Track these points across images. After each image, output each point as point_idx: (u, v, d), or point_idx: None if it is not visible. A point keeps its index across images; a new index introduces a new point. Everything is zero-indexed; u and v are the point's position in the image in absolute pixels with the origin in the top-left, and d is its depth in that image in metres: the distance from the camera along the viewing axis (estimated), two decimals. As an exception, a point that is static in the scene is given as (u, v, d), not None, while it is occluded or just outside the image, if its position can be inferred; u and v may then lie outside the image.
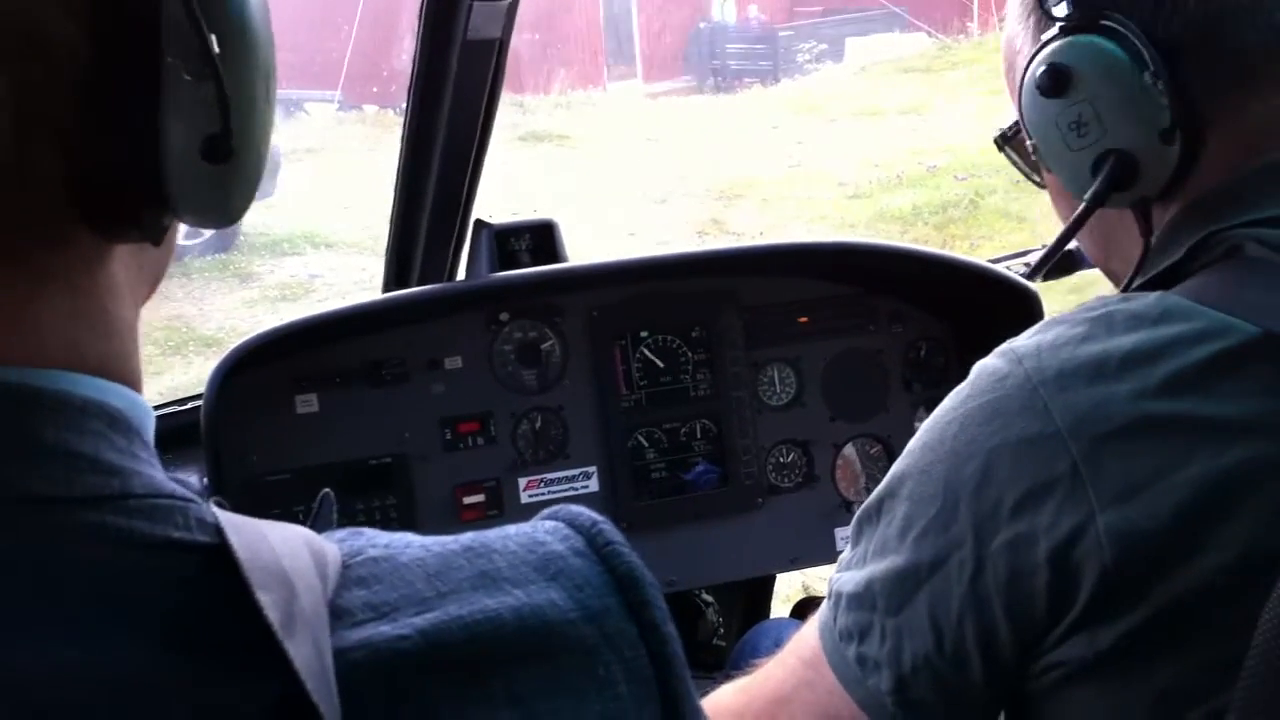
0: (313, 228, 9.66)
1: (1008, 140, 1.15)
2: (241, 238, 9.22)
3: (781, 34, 17.77)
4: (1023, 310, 2.03)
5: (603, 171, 11.57)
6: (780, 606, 2.54)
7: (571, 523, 0.68)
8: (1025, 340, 0.95)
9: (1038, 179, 1.15)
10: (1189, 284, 0.93)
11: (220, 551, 0.56)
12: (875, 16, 17.25)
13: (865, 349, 2.16)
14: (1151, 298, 0.91)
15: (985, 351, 0.98)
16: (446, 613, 0.59)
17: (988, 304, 2.08)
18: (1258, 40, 0.95)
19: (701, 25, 18.28)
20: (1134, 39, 0.94)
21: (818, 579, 3.86)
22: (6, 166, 0.56)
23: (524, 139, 12.45)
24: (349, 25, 13.13)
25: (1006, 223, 8.95)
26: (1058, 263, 1.25)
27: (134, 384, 0.64)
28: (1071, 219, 1.04)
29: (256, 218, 9.57)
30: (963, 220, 9.21)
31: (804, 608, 2.25)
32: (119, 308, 0.64)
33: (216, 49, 0.59)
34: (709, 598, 2.28)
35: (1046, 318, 0.99)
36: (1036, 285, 2.11)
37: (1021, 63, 1.04)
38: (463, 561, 0.63)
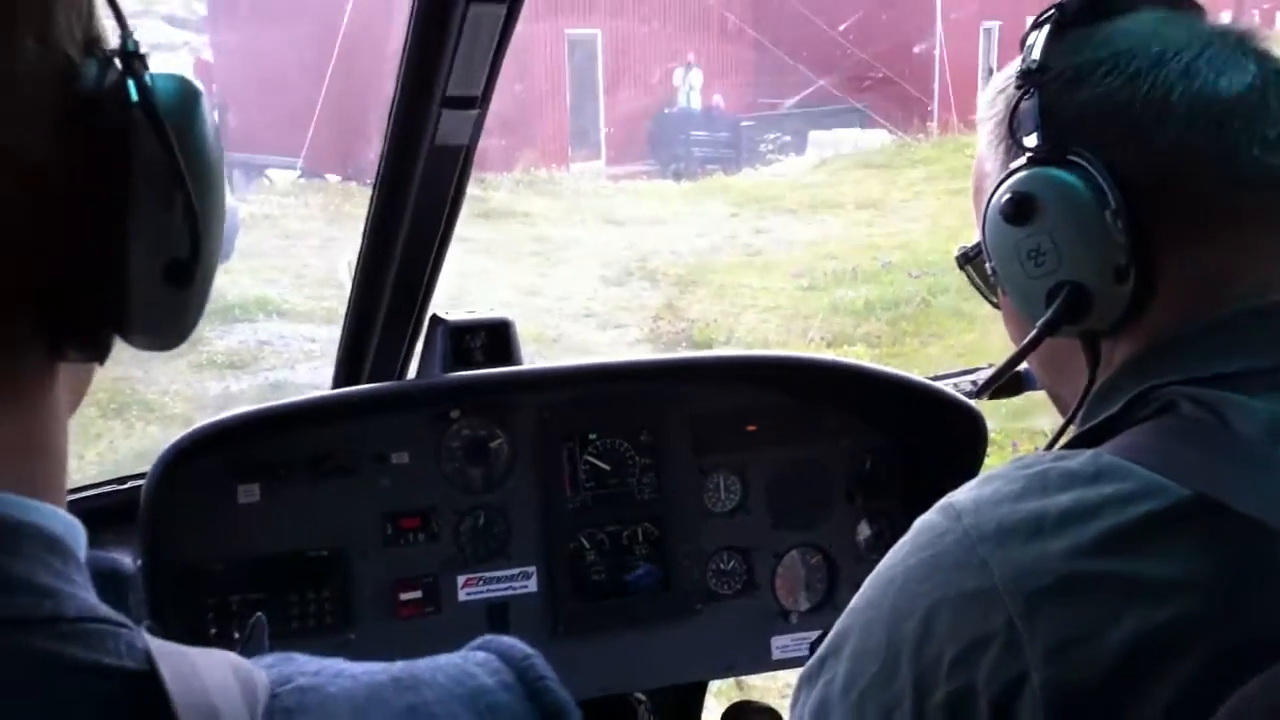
0: (266, 294, 9.62)
1: (969, 259, 1.17)
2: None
3: (745, 124, 18.03)
4: (967, 429, 2.05)
5: (562, 251, 11.64)
6: (713, 702, 2.52)
7: (503, 655, 0.68)
8: (964, 495, 0.96)
9: (993, 300, 1.17)
10: (1123, 441, 0.94)
11: (150, 679, 0.56)
12: (838, 111, 17.53)
13: (811, 460, 2.17)
14: (1086, 456, 0.92)
15: (930, 468, 0.99)
16: None
17: (933, 421, 2.10)
18: (1222, 190, 0.97)
19: (666, 111, 18.51)
20: (1098, 176, 0.96)
21: (752, 687, 3.86)
22: None
23: (484, 215, 12.49)
24: (317, 91, 13.17)
25: (957, 322, 9.05)
26: (1006, 382, 1.27)
27: (61, 504, 0.64)
28: (1023, 344, 1.05)
29: (210, 282, 9.50)
30: (914, 317, 9.32)
31: (736, 713, 2.24)
32: (57, 428, 0.65)
33: (187, 175, 0.61)
34: (641, 696, 2.27)
35: (988, 439, 1.01)
36: (980, 404, 2.14)
37: (989, 186, 1.06)
38: (390, 694, 0.63)
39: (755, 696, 2.41)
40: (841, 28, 16.73)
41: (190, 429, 1.82)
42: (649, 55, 18.61)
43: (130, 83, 0.60)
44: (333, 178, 13.62)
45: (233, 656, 0.62)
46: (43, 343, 0.61)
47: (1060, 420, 1.12)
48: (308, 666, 0.64)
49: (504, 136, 15.39)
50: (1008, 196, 1.01)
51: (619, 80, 18.45)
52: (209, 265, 0.64)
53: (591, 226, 12.82)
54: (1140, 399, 0.96)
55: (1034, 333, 1.03)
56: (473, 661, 0.68)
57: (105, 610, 0.59)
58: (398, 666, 0.66)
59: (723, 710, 2.25)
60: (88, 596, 0.59)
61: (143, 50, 0.62)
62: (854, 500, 2.19)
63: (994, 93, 1.10)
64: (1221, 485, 0.86)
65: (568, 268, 11.07)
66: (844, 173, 15.08)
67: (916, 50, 16.86)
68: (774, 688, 3.77)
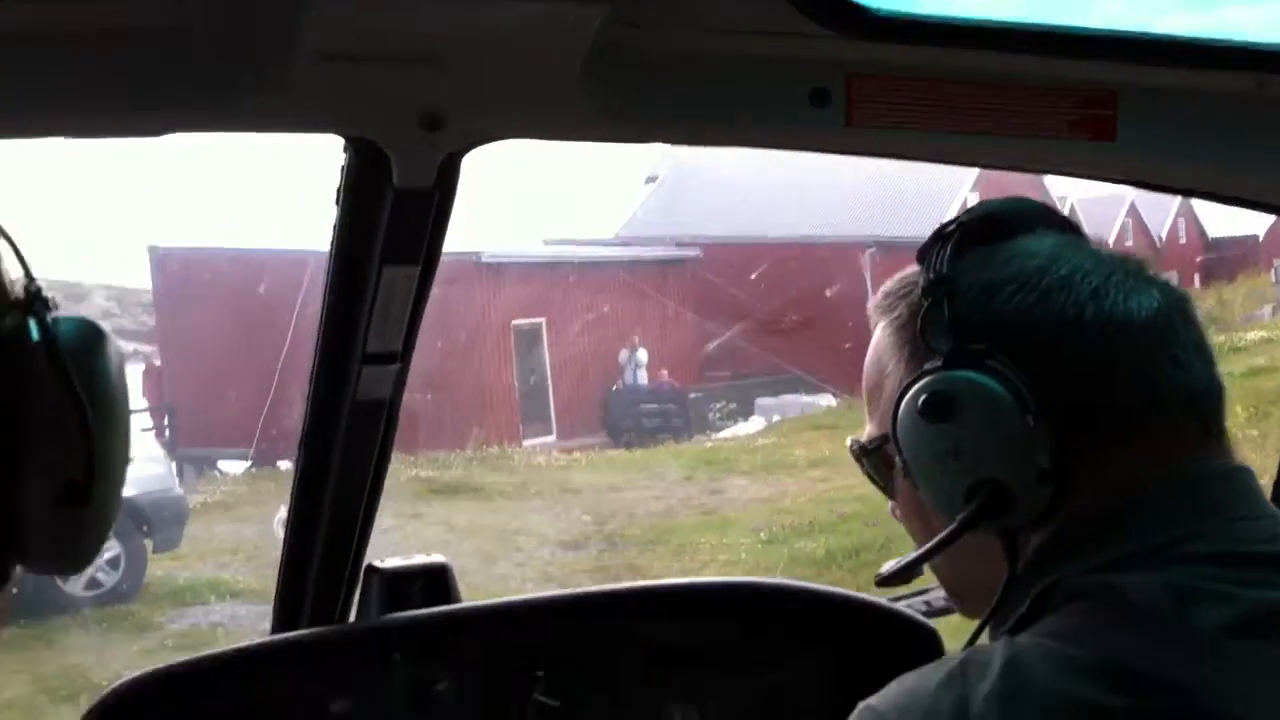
0: (219, 577, 9.52)
1: (866, 452, 1.18)
2: (144, 588, 9.04)
3: (692, 395, 18.38)
4: (922, 648, 2.01)
5: (518, 520, 11.60)
6: None
7: None
8: (881, 698, 0.96)
9: (889, 491, 1.18)
10: (1035, 629, 0.96)
11: None
12: (783, 380, 17.92)
13: (769, 687, 2.11)
14: (999, 644, 0.95)
15: None
16: None
17: (889, 643, 2.06)
18: (1137, 405, 1.01)
19: (615, 388, 18.84)
20: (1018, 383, 0.99)
21: None
22: None
23: (437, 491, 12.50)
24: (268, 383, 13.33)
25: (919, 567, 9.02)
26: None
27: None
28: (939, 537, 1.05)
29: (160, 568, 9.42)
30: (876, 563, 9.21)
31: None
32: None
33: (85, 402, 0.64)
34: None
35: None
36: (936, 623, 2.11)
37: (892, 385, 1.09)
38: None
39: None
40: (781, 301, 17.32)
41: (119, 683, 1.74)
42: (595, 339, 19.08)
43: (31, 323, 0.65)
44: (285, 465, 13.61)
45: None
46: None
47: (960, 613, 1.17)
48: None
49: (455, 418, 15.55)
50: (925, 396, 1.02)
51: (566, 363, 18.84)
52: (107, 490, 0.66)
53: (548, 496, 12.84)
54: (1045, 594, 0.98)
55: (952, 527, 1.04)
56: None
57: None
58: None
59: None
60: None
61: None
62: (814, 729, 2.12)
63: (893, 296, 1.13)
64: (1131, 653, 0.89)
65: (525, 536, 11.01)
66: (794, 434, 15.30)
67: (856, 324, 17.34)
68: None
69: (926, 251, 1.08)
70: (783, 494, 12.37)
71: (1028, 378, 0.99)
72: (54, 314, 0.67)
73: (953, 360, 1.02)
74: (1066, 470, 0.99)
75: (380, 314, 1.59)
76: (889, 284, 1.15)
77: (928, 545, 1.08)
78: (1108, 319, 1.01)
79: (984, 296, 1.03)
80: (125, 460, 0.68)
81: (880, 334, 1.14)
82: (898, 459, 1.08)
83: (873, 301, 1.16)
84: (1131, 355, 1.01)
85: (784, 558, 9.82)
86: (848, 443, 1.20)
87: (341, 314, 1.61)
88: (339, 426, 1.73)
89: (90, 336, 0.67)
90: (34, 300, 0.66)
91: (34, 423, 0.63)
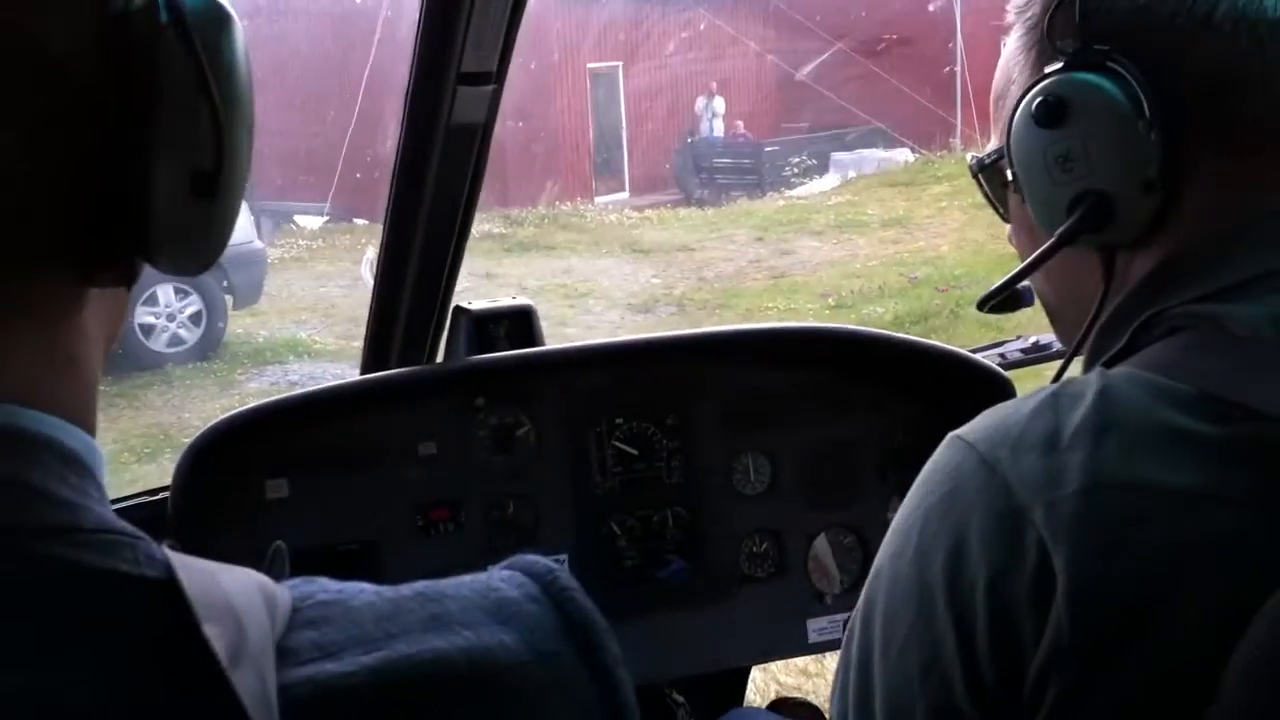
0: (296, 336, 9.70)
1: (984, 168, 1.14)
2: (223, 346, 9.25)
3: (768, 149, 18.09)
4: (997, 399, 2.02)
5: (589, 281, 11.69)
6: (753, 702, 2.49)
7: (527, 570, 0.69)
8: (970, 428, 0.94)
9: (1003, 212, 1.15)
10: (1130, 361, 0.93)
11: (169, 587, 0.56)
12: (860, 132, 17.59)
13: (841, 437, 2.14)
14: (1093, 375, 0.91)
15: None
16: (395, 651, 0.59)
17: (963, 392, 2.08)
18: (1260, 110, 0.95)
19: (689, 140, 18.60)
20: (1136, 86, 0.94)
21: (793, 688, 3.82)
22: (11, 195, 0.58)
23: (510, 250, 12.59)
24: (341, 137, 13.31)
25: (986, 332, 8.92)
26: (1005, 299, 1.20)
27: (89, 428, 0.65)
28: (1038, 251, 1.02)
29: (239, 326, 9.63)
30: (943, 329, 9.27)
31: (778, 707, 2.21)
32: (86, 352, 0.65)
33: (214, 85, 0.62)
34: (679, 698, 2.24)
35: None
36: (1011, 375, 2.12)
37: (1015, 92, 1.04)
38: (414, 605, 0.64)
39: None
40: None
41: (216, 420, 1.82)
42: (671, 84, 18.70)
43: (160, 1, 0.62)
44: (360, 221, 13.73)
45: (257, 574, 0.63)
46: (71, 266, 0.62)
47: (1058, 340, 1.13)
48: (329, 586, 0.65)
49: (529, 171, 15.51)
50: (1041, 98, 0.98)
51: (641, 111, 18.55)
52: (234, 180, 0.65)
53: (618, 256, 12.89)
54: (1143, 328, 0.95)
55: (1052, 240, 1.00)
56: (497, 577, 0.68)
57: (122, 524, 0.59)
58: (421, 584, 0.66)
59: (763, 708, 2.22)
60: (103, 510, 0.60)
61: None
62: (885, 477, 2.16)
63: None
64: (1228, 384, 0.85)
65: (595, 299, 11.12)
66: (868, 192, 15.11)
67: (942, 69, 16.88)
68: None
69: None
70: (853, 256, 12.31)
71: (1148, 80, 0.94)
72: None
73: (1075, 62, 0.97)
74: (1175, 183, 0.95)
75: (477, 28, 1.57)
76: None
77: (1026, 261, 1.05)
78: (1239, 16, 0.93)
79: None
80: (250, 151, 0.67)
81: (1012, 38, 1.08)
82: (1009, 172, 1.05)
83: (1011, 2, 1.09)
84: (1258, 57, 0.94)
85: (851, 322, 9.84)
86: (968, 159, 1.17)
87: (439, 29, 1.59)
88: (433, 151, 1.74)
89: (219, 14, 0.64)
90: None
91: (162, 107, 0.61)
